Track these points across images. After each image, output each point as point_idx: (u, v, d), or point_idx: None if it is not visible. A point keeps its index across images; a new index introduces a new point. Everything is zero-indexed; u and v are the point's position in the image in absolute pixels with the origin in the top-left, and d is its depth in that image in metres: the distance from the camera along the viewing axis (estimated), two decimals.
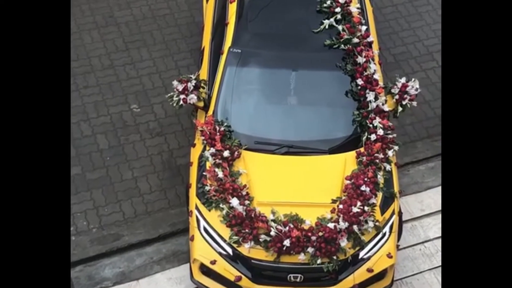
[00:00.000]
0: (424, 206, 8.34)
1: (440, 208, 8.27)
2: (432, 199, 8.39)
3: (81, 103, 8.98)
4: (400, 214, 7.39)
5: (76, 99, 9.00)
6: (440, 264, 7.87)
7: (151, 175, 8.45)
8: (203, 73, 7.90)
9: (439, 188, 8.44)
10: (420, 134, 8.95)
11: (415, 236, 8.10)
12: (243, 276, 6.89)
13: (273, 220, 6.86)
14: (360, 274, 6.94)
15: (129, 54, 9.54)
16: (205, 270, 7.10)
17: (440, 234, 8.08)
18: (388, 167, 7.26)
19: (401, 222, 7.46)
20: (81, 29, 9.75)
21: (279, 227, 6.80)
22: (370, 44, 7.72)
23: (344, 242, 6.82)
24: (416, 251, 7.99)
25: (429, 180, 8.57)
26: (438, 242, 8.04)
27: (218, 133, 7.28)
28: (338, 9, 7.81)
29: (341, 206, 6.93)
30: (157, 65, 9.44)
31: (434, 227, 8.16)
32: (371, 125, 7.36)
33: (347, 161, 7.26)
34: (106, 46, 9.58)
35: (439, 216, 8.22)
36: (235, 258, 6.91)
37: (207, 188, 7.05)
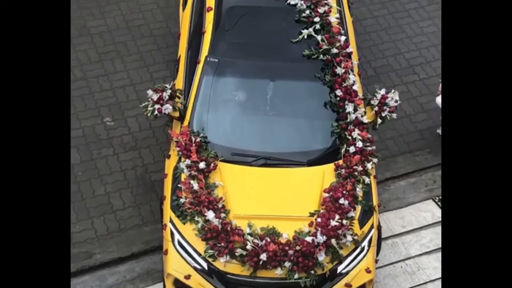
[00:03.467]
0: (405, 222, 8.62)
1: (421, 225, 8.59)
2: (413, 215, 8.68)
3: None
4: (379, 228, 7.63)
5: None
6: (421, 282, 8.15)
7: (124, 191, 8.63)
8: (179, 83, 8.13)
9: (420, 204, 8.78)
10: (401, 148, 9.25)
11: (396, 253, 8.37)
12: None
13: (250, 234, 7.06)
14: None
15: (102, 65, 9.76)
16: (180, 286, 7.25)
17: (422, 251, 8.37)
18: (367, 180, 7.50)
19: (380, 236, 7.69)
20: None
21: (255, 240, 7.01)
22: (349, 55, 8.03)
23: (322, 257, 7.03)
24: (397, 268, 8.25)
25: (410, 196, 8.88)
26: (420, 260, 8.33)
27: (193, 144, 7.48)
28: (317, 19, 8.13)
29: (319, 220, 7.16)
30: (131, 77, 9.67)
31: (415, 244, 8.45)
32: (350, 137, 7.63)
33: (325, 174, 7.51)
34: (78, 57, 9.80)
35: (421, 233, 8.53)
36: (210, 273, 7.10)
37: (182, 200, 7.23)
